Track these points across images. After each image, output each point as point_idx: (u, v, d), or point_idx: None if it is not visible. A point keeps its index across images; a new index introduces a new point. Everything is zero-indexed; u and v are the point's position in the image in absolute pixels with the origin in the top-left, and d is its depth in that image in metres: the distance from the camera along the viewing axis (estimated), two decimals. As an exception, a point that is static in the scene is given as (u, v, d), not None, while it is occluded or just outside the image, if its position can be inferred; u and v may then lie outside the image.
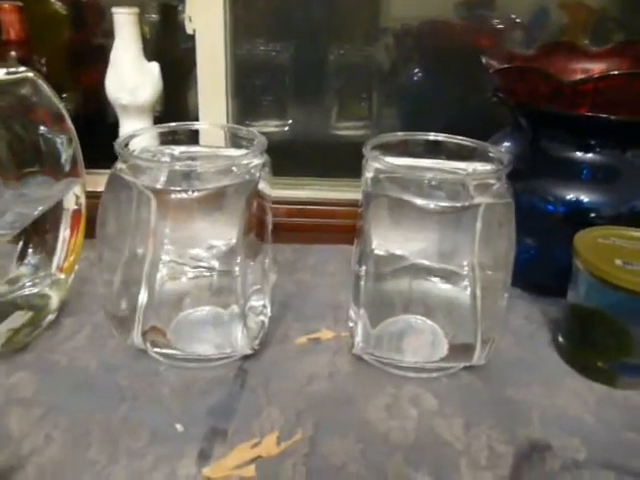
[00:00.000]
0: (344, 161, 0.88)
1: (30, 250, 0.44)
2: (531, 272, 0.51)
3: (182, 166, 0.39)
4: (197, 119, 0.74)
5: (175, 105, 0.79)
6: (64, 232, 0.47)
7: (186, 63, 0.77)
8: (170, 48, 0.78)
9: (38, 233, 0.45)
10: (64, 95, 0.74)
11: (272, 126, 0.87)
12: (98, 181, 0.44)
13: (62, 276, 0.47)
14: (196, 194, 0.38)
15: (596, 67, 0.55)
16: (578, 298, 0.42)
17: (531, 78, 0.47)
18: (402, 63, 0.85)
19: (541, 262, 0.50)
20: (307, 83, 0.85)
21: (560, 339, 0.45)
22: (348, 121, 0.88)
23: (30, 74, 0.42)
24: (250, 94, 0.80)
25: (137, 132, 0.42)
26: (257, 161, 0.39)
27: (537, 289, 0.52)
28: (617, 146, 0.47)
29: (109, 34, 0.78)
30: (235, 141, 0.44)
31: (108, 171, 0.39)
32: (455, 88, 0.83)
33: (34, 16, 0.63)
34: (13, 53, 0.59)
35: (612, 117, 0.45)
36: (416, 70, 0.85)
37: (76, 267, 0.48)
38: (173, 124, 0.43)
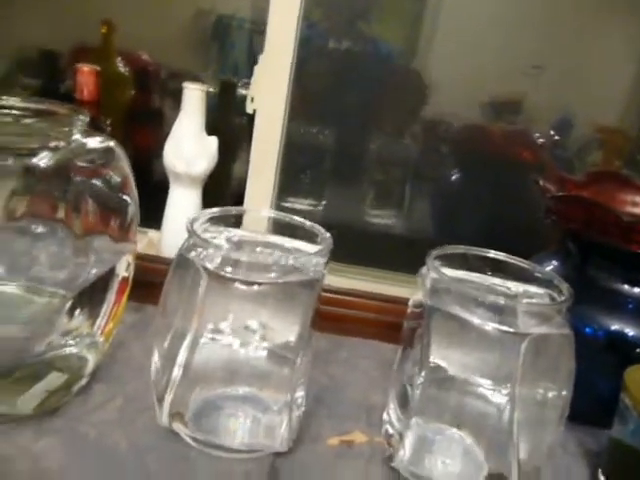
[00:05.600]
0: (373, 249, 0.90)
1: (77, 310, 0.44)
2: (569, 398, 0.50)
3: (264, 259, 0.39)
4: (240, 190, 0.76)
5: (219, 175, 0.81)
6: (111, 296, 0.47)
7: (236, 137, 0.80)
8: (223, 122, 0.81)
9: (87, 293, 0.45)
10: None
11: (306, 204, 0.88)
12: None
13: (102, 339, 0.46)
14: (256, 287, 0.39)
15: (644, 201, 0.57)
16: (624, 436, 0.42)
17: (590, 209, 0.48)
18: (439, 162, 0.87)
19: (580, 389, 0.49)
20: (346, 168, 0.88)
21: (601, 477, 0.43)
22: (381, 209, 0.90)
23: (112, 143, 0.44)
24: (292, 172, 0.82)
25: (214, 211, 0.42)
26: (324, 259, 0.39)
27: (574, 417, 0.51)
28: (666, 286, 0.48)
29: (165, 100, 0.82)
30: (281, 229, 0.44)
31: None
32: (491, 193, 0.85)
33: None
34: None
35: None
36: (454, 170, 0.88)
37: (114, 332, 0.48)
38: (247, 208, 0.44)
